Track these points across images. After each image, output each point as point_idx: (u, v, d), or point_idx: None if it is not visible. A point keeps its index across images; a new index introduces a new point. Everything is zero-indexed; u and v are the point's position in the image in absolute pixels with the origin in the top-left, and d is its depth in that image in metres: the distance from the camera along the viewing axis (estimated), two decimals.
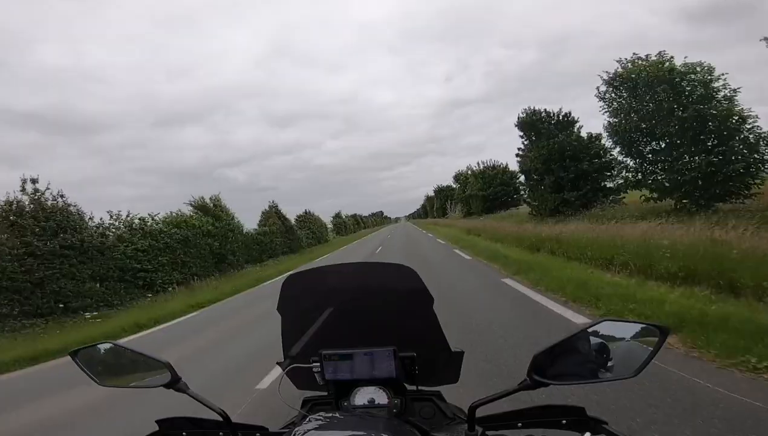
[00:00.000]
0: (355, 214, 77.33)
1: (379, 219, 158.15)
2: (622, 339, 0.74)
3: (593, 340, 0.74)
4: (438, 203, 73.67)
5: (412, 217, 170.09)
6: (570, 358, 0.75)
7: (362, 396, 0.89)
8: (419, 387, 0.95)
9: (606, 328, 0.74)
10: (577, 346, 0.75)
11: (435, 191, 78.23)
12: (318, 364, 0.89)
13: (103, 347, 0.93)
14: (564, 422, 0.77)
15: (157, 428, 0.86)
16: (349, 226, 67.99)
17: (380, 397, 0.88)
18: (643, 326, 0.74)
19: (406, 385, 0.92)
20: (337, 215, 61.77)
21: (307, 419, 0.75)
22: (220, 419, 0.84)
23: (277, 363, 1.00)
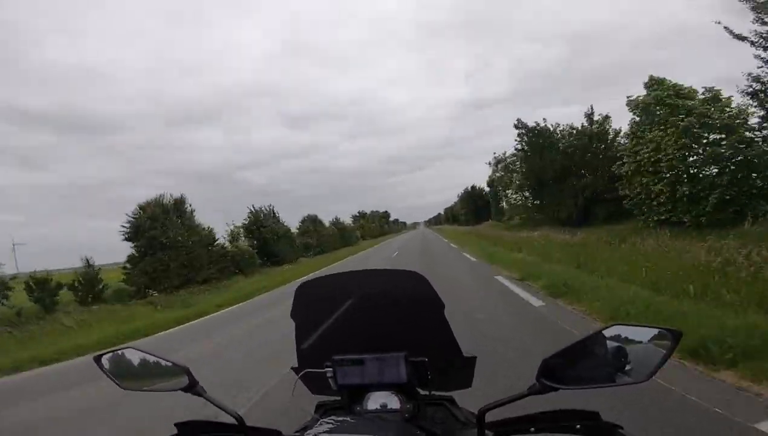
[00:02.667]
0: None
1: (384, 225, 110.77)
2: (633, 343, 0.73)
3: (606, 344, 0.73)
4: (467, 207, 63.43)
5: (431, 223, 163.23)
6: (580, 362, 0.74)
7: (375, 401, 0.89)
8: (432, 392, 0.95)
9: (616, 332, 0.73)
10: (588, 350, 0.74)
11: (464, 193, 64.09)
12: (331, 369, 0.90)
13: (125, 351, 0.97)
14: (578, 426, 0.76)
15: (175, 432, 0.89)
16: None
17: (393, 402, 0.88)
18: (655, 329, 0.73)
19: (419, 390, 0.93)
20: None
21: (320, 423, 0.76)
22: (236, 422, 0.86)
23: (292, 368, 1.02)
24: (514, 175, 27.06)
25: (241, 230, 26.14)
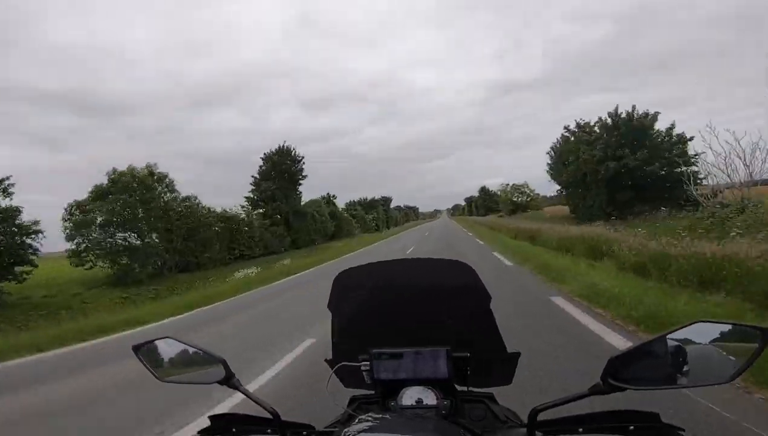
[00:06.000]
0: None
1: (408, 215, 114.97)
2: (717, 341, 0.66)
3: (681, 343, 0.66)
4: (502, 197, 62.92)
5: (456, 213, 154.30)
6: (650, 362, 0.68)
7: (410, 396, 0.86)
8: (470, 388, 0.91)
9: (699, 330, 0.66)
10: (660, 349, 0.67)
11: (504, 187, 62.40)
12: (367, 363, 0.87)
13: (163, 341, 0.96)
14: (631, 428, 0.71)
15: (209, 424, 0.88)
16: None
17: (429, 397, 0.85)
18: (744, 327, 0.65)
19: (456, 386, 0.89)
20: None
21: (357, 420, 0.74)
22: (270, 416, 0.84)
23: (326, 360, 1.00)
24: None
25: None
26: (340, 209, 41.97)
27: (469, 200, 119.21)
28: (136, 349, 0.95)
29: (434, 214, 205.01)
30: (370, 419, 0.74)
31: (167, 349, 0.96)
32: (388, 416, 0.80)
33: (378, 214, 66.04)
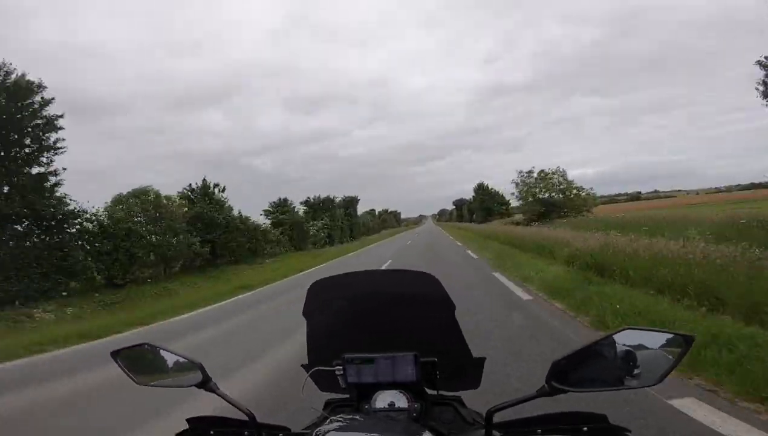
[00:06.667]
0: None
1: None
2: (645, 347, 0.73)
3: (617, 347, 0.73)
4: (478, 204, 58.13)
5: (443, 218, 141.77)
6: (591, 365, 0.74)
7: (383, 400, 0.90)
8: (440, 392, 0.95)
9: (627, 336, 0.73)
10: (599, 353, 0.74)
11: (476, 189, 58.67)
12: (341, 367, 0.91)
13: (142, 347, 0.99)
14: (585, 429, 0.76)
15: (186, 426, 0.91)
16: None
17: (401, 401, 0.89)
18: (667, 334, 0.73)
19: (427, 390, 0.93)
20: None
21: (329, 421, 0.78)
22: (246, 418, 0.88)
23: (302, 366, 1.04)
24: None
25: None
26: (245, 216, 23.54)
27: (460, 203, 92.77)
28: (115, 354, 0.97)
29: (419, 219, 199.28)
30: (341, 420, 0.77)
31: (146, 354, 0.99)
32: (359, 418, 0.83)
33: (334, 220, 42.89)
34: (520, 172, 32.93)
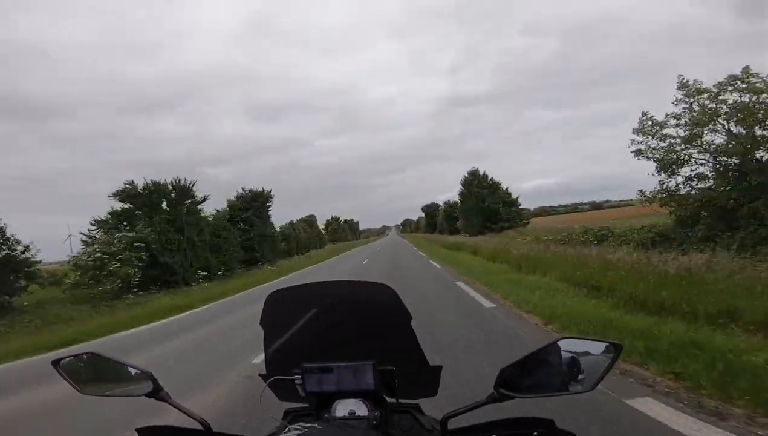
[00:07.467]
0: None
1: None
2: (587, 354, 0.80)
3: (560, 355, 0.79)
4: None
5: (407, 229, 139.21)
6: (537, 372, 0.80)
7: (343, 408, 0.91)
8: (399, 400, 0.97)
9: (568, 344, 0.80)
10: (544, 360, 0.79)
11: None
12: (300, 376, 0.91)
13: (86, 356, 0.95)
14: (535, 434, 0.81)
15: None
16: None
17: (360, 409, 0.90)
18: (602, 342, 0.80)
19: (386, 398, 0.95)
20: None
21: (288, 429, 0.78)
22: (201, 428, 0.86)
23: (260, 375, 1.02)
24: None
25: None
26: None
27: (430, 209, 78.53)
28: (56, 363, 0.93)
29: (383, 230, 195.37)
30: (299, 428, 0.77)
31: (91, 363, 0.95)
32: (317, 426, 0.84)
33: (232, 234, 23.95)
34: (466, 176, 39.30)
